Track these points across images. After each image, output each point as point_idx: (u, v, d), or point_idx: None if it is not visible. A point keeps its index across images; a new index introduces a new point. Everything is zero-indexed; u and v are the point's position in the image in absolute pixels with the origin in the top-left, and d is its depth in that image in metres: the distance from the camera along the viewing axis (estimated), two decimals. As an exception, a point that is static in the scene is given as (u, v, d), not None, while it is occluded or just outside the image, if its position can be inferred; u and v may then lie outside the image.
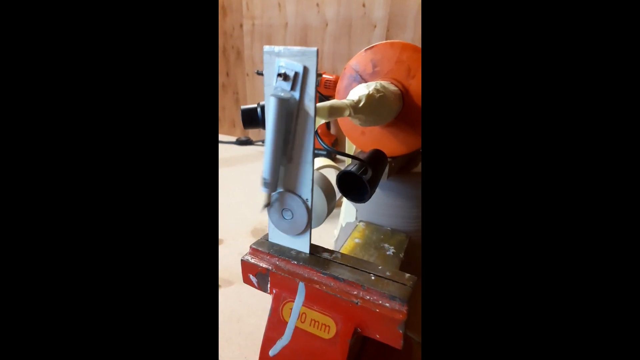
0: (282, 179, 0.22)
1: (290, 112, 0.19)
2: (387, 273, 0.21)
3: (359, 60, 0.38)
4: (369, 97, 0.28)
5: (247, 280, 0.24)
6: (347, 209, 0.48)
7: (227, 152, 1.15)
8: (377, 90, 0.29)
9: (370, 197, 0.33)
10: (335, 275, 0.21)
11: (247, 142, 1.25)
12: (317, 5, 0.97)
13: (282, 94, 0.19)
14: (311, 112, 0.19)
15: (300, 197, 0.21)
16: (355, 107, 0.27)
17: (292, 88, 0.19)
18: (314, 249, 0.24)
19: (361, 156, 0.35)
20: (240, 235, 0.61)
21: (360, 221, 0.48)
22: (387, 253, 0.42)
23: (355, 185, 0.32)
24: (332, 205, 0.24)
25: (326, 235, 0.62)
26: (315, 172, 0.25)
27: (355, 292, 0.20)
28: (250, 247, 0.24)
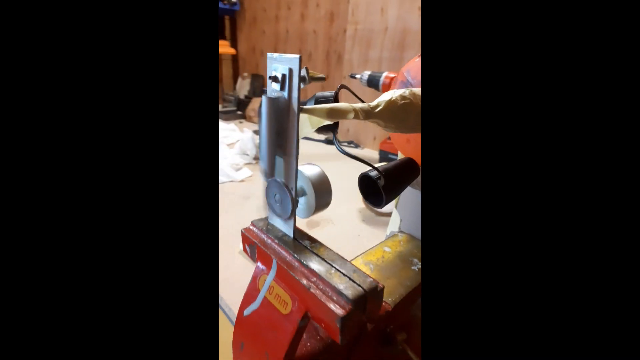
0: (279, 169, 0.25)
1: (280, 109, 0.22)
2: (353, 273, 0.22)
3: (411, 67, 0.38)
4: (390, 102, 0.28)
5: (244, 249, 0.28)
6: (394, 219, 0.48)
7: (315, 149, 1.23)
8: (403, 97, 0.29)
9: (386, 204, 0.33)
10: (301, 260, 0.23)
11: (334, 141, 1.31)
12: (419, 9, 0.95)
13: (274, 94, 0.22)
14: (295, 109, 0.22)
15: (286, 186, 0.24)
16: (368, 112, 0.28)
17: (282, 88, 0.22)
18: (300, 235, 0.26)
19: (392, 164, 0.35)
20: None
21: (401, 232, 0.47)
22: (412, 267, 0.40)
23: (373, 190, 0.33)
24: (323, 199, 0.26)
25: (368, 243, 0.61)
26: (313, 166, 0.27)
27: (313, 279, 0.22)
28: (251, 222, 0.28)
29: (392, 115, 0.29)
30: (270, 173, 0.24)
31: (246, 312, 0.26)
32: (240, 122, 1.38)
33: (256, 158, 0.99)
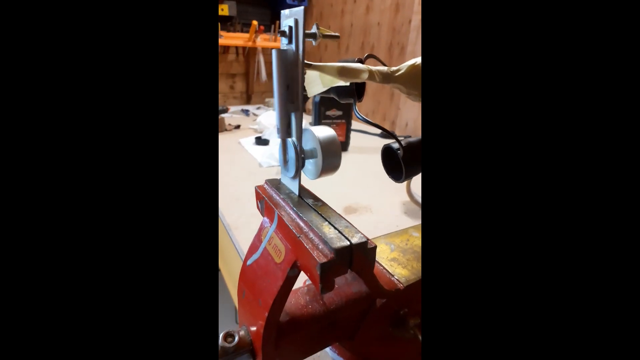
0: (290, 127, 0.26)
1: (289, 62, 0.23)
2: (344, 228, 0.22)
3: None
4: (413, 67, 0.27)
5: (257, 206, 0.29)
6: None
7: (369, 143, 1.21)
8: (429, 62, 0.27)
9: (406, 178, 0.31)
10: (299, 213, 0.23)
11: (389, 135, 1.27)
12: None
13: (283, 47, 0.23)
14: (300, 60, 0.22)
15: (293, 142, 0.25)
16: (387, 75, 0.26)
17: (289, 41, 0.22)
18: (306, 194, 0.26)
19: (418, 138, 0.33)
20: (333, 206, 0.66)
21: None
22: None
23: (395, 163, 0.31)
24: (330, 161, 0.26)
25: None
26: (325, 127, 0.27)
27: (305, 230, 0.22)
28: (265, 181, 0.29)
29: (414, 81, 0.27)
30: (282, 130, 0.25)
31: (249, 262, 0.27)
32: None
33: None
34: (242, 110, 1.51)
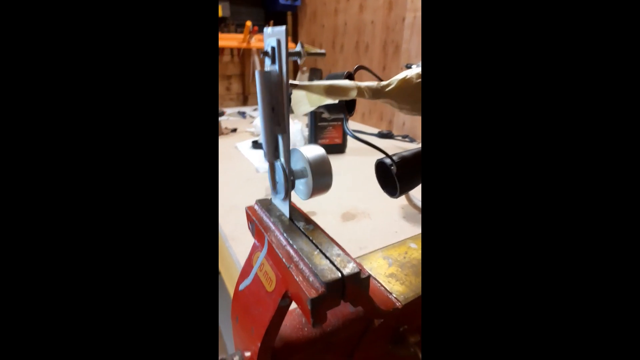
0: (278, 148, 0.25)
1: (273, 84, 0.22)
2: (336, 257, 0.21)
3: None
4: (404, 81, 0.26)
5: (248, 226, 0.28)
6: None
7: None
8: (419, 76, 0.26)
9: (400, 194, 0.30)
10: (289, 240, 0.23)
11: (388, 135, 1.26)
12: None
13: (267, 69, 0.22)
14: (284, 82, 0.21)
15: (282, 164, 0.24)
16: (377, 91, 0.25)
17: (272, 62, 0.21)
18: (298, 216, 0.26)
19: (411, 152, 0.32)
20: (331, 214, 0.65)
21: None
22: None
23: (389, 178, 0.31)
24: (322, 180, 0.25)
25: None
26: (315, 147, 0.26)
27: (295, 259, 0.21)
28: (255, 201, 0.28)
29: (405, 95, 0.27)
30: (269, 153, 0.24)
31: (241, 287, 0.26)
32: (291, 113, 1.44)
33: (305, 149, 1.02)
34: (239, 113, 1.50)
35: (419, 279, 0.33)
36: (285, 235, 0.23)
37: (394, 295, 0.31)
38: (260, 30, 1.56)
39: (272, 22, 1.52)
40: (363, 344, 0.30)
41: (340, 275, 0.19)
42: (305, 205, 0.67)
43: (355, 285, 0.20)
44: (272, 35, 0.21)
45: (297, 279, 0.20)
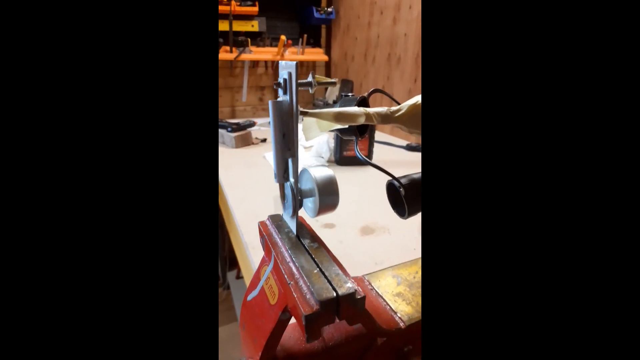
0: (288, 170, 0.27)
1: (284, 112, 0.24)
2: (334, 276, 0.22)
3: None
4: (414, 107, 0.27)
5: (260, 241, 0.30)
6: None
7: (394, 156, 1.19)
8: (430, 102, 0.27)
9: (409, 216, 0.31)
10: (292, 257, 0.24)
11: (416, 148, 1.25)
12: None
13: (279, 98, 0.24)
14: (294, 111, 0.23)
15: (291, 185, 0.26)
16: (386, 116, 0.26)
17: (284, 92, 0.23)
18: (305, 233, 0.27)
19: (419, 175, 0.32)
20: (350, 227, 0.66)
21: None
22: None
23: (399, 199, 0.31)
24: (326, 200, 0.26)
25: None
26: (324, 168, 0.27)
27: (296, 276, 0.23)
28: (268, 216, 0.30)
29: (415, 121, 0.27)
30: (279, 175, 0.25)
31: (249, 297, 0.28)
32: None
33: (330, 160, 1.03)
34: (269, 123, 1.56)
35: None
36: (289, 252, 0.25)
37: (399, 315, 0.31)
38: (295, 44, 1.62)
39: (305, 35, 1.57)
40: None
41: (335, 294, 0.20)
42: (325, 217, 0.68)
43: (350, 305, 0.21)
44: (285, 68, 0.23)
45: (295, 295, 0.21)
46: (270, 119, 0.24)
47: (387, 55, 1.41)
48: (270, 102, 0.23)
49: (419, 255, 0.60)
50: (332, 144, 1.06)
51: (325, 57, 1.73)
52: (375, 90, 0.34)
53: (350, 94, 0.32)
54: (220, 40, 1.36)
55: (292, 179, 0.26)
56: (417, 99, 0.27)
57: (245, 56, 1.46)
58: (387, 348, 0.31)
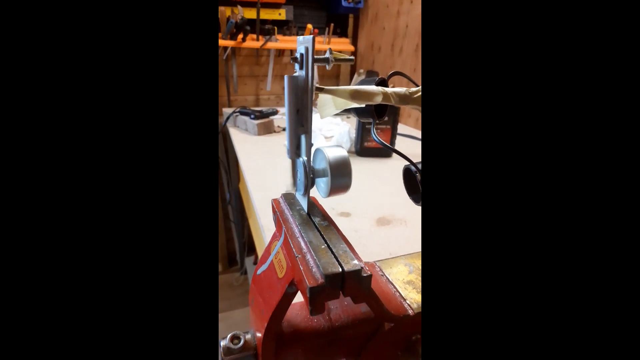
0: (301, 147, 0.27)
1: (299, 87, 0.24)
2: (341, 253, 0.22)
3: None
4: (434, 88, 0.26)
5: (273, 217, 0.31)
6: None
7: (418, 149, 1.17)
8: (452, 83, 0.26)
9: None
10: (302, 232, 0.24)
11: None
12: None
13: (295, 74, 0.24)
14: (309, 86, 0.23)
15: (303, 162, 0.26)
16: (404, 97, 0.26)
17: (300, 67, 0.23)
18: (316, 211, 0.27)
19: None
20: (366, 218, 0.65)
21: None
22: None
23: (415, 186, 0.31)
24: (338, 181, 0.26)
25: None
26: (338, 148, 0.27)
27: (304, 250, 0.23)
28: (281, 194, 0.31)
29: (434, 102, 0.26)
30: (291, 151, 0.26)
31: (259, 271, 0.28)
32: (348, 117, 1.44)
33: (350, 151, 1.02)
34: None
35: (438, 291, 0.32)
36: (299, 227, 0.25)
37: (408, 302, 0.30)
38: (321, 33, 1.60)
39: (332, 25, 1.55)
40: (371, 345, 0.31)
41: (340, 269, 0.20)
42: (342, 206, 0.68)
43: (355, 282, 0.21)
44: (302, 43, 0.23)
45: (301, 268, 0.21)
46: (285, 94, 0.24)
47: (415, 46, 1.37)
48: (285, 77, 0.23)
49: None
50: (353, 134, 1.05)
51: (352, 47, 1.71)
52: (396, 73, 0.33)
53: (372, 78, 0.31)
54: (247, 27, 1.37)
55: (304, 157, 0.26)
56: (438, 79, 0.27)
57: (272, 44, 1.47)
58: (394, 334, 0.31)
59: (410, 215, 0.66)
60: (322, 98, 0.25)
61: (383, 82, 0.29)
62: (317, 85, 0.24)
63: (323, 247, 0.23)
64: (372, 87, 0.25)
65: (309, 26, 1.46)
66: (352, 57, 0.25)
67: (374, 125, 0.30)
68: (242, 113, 1.24)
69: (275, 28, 1.48)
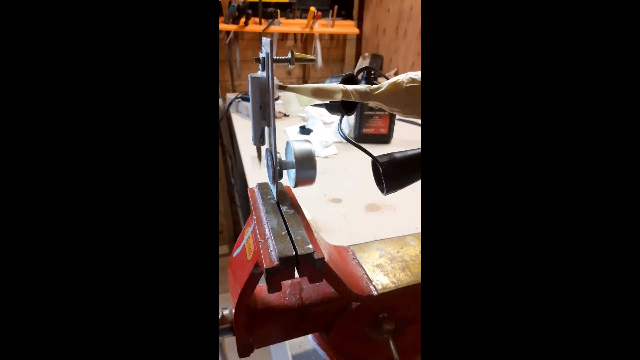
0: (266, 138, 0.29)
1: (262, 87, 0.26)
2: (297, 238, 0.25)
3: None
4: (394, 85, 0.27)
5: (249, 205, 0.33)
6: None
7: (416, 135, 1.17)
8: (412, 80, 0.27)
9: (388, 192, 0.32)
10: (267, 221, 0.27)
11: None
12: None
13: (257, 74, 0.25)
14: (269, 87, 0.25)
15: (270, 152, 0.28)
16: (365, 94, 0.27)
17: (262, 69, 0.25)
18: (285, 199, 0.29)
19: (406, 154, 0.33)
20: (356, 204, 0.68)
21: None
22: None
23: (379, 177, 0.32)
24: (303, 173, 0.28)
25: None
26: (304, 142, 0.29)
27: (267, 236, 0.25)
28: (257, 184, 0.33)
29: (394, 99, 0.28)
30: (255, 139, 0.28)
31: (234, 254, 0.31)
32: (350, 102, 1.44)
33: (349, 136, 1.03)
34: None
35: (404, 274, 0.35)
36: (266, 215, 0.27)
37: (374, 284, 0.33)
38: (324, 16, 1.58)
39: (336, 7, 1.52)
40: (341, 321, 0.34)
41: (294, 253, 0.23)
42: (333, 193, 0.70)
43: (308, 264, 0.23)
44: (264, 46, 0.24)
45: (262, 252, 0.24)
46: (250, 92, 0.26)
47: (419, 29, 1.34)
48: (249, 77, 0.25)
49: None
50: (351, 120, 1.05)
51: (357, 30, 1.68)
52: (365, 69, 0.34)
53: (341, 74, 0.32)
54: (249, 11, 1.36)
55: (272, 150, 0.28)
56: (398, 78, 0.28)
57: (274, 28, 1.46)
58: (362, 312, 0.34)
59: (399, 203, 0.68)
60: (286, 95, 0.27)
61: (351, 79, 0.31)
62: (280, 84, 0.26)
63: (283, 233, 0.25)
64: (333, 85, 0.27)
65: (312, 9, 1.44)
66: (314, 57, 0.27)
67: (341, 120, 0.32)
68: (243, 99, 1.26)
69: (278, 11, 1.47)
